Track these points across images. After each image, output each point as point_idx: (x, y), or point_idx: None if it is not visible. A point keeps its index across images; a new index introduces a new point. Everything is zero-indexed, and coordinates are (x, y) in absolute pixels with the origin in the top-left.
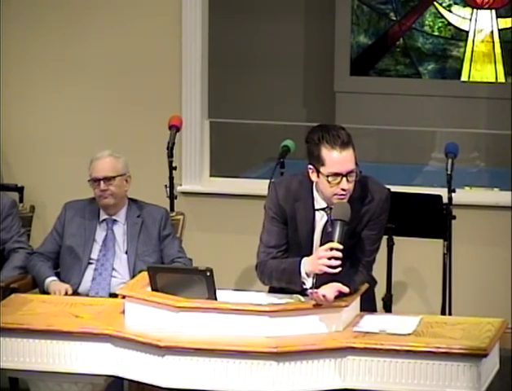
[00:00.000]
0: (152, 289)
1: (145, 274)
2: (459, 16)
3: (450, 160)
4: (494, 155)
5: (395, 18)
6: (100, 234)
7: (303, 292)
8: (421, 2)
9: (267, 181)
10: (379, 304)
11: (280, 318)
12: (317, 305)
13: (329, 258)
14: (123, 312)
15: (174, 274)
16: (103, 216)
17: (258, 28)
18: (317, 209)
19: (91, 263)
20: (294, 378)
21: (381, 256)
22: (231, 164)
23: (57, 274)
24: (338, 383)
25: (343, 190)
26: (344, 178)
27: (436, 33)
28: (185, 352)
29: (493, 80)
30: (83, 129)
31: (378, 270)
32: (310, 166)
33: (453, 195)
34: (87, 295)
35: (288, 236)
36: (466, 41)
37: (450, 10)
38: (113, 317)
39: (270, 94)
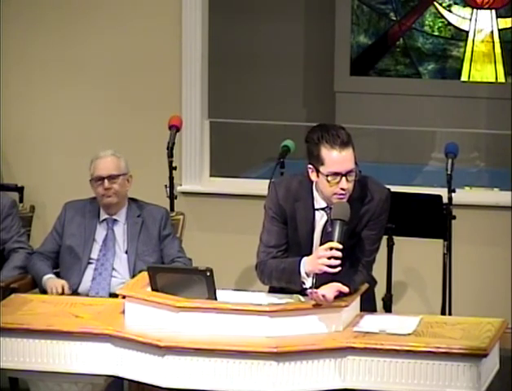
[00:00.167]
0: (152, 289)
1: (145, 274)
2: (459, 16)
3: (450, 160)
4: (494, 155)
5: (395, 18)
6: (100, 233)
7: (303, 292)
8: (421, 2)
9: (267, 181)
10: (379, 304)
11: (280, 318)
12: (317, 305)
13: (329, 258)
14: (123, 312)
15: (174, 274)
16: (103, 215)
17: (258, 28)
18: (317, 209)
19: (91, 263)
20: (294, 378)
21: (381, 256)
22: (231, 164)
23: (57, 274)
24: (338, 383)
25: (343, 189)
26: (343, 178)
27: (436, 33)
28: (185, 352)
29: (493, 80)
30: (83, 129)
31: (378, 270)
32: (309, 166)
33: (453, 195)
34: (87, 295)
35: (288, 236)
36: (466, 41)
37: (450, 11)
38: (113, 317)
39: (270, 94)
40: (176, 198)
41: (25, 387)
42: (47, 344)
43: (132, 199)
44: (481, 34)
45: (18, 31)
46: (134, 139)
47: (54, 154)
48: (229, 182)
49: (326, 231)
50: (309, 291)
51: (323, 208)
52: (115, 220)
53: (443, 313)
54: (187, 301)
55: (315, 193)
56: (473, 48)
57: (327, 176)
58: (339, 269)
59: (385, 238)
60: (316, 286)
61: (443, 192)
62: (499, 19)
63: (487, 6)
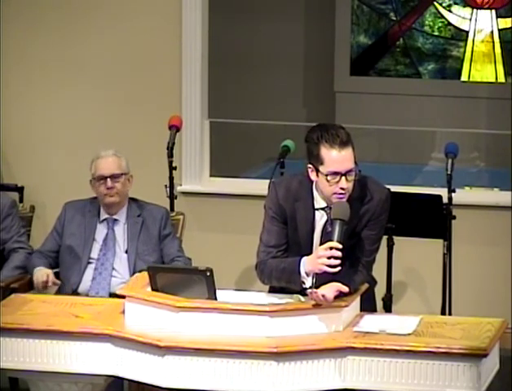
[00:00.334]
0: (152, 289)
1: (145, 274)
2: (459, 16)
3: (450, 160)
4: (494, 155)
5: (395, 18)
6: (101, 233)
7: (303, 292)
8: (421, 2)
9: (267, 181)
10: (379, 304)
11: (280, 318)
12: (317, 305)
13: (329, 257)
14: (123, 312)
15: (174, 274)
16: (103, 215)
17: (258, 28)
18: (317, 209)
19: (91, 263)
20: (294, 378)
21: (381, 256)
22: (231, 164)
23: (57, 274)
24: (338, 383)
25: (342, 189)
26: (343, 177)
27: (436, 33)
28: (185, 352)
29: (493, 80)
30: (83, 129)
31: (378, 270)
32: (309, 165)
33: (453, 195)
34: (87, 294)
35: (288, 236)
36: (466, 41)
37: (450, 10)
38: (113, 317)
39: (270, 94)
40: (176, 198)
41: (25, 387)
42: (47, 344)
43: (132, 199)
44: (481, 34)
45: (18, 31)
46: (134, 139)
47: (54, 154)
48: (229, 182)
49: (326, 231)
50: (309, 291)
51: (323, 208)
52: (115, 220)
53: (443, 313)
54: (187, 301)
55: (315, 193)
56: (473, 48)
57: (326, 175)
58: (339, 268)
59: (385, 238)
60: (316, 286)
61: (443, 192)
62: (499, 19)
63: (487, 6)
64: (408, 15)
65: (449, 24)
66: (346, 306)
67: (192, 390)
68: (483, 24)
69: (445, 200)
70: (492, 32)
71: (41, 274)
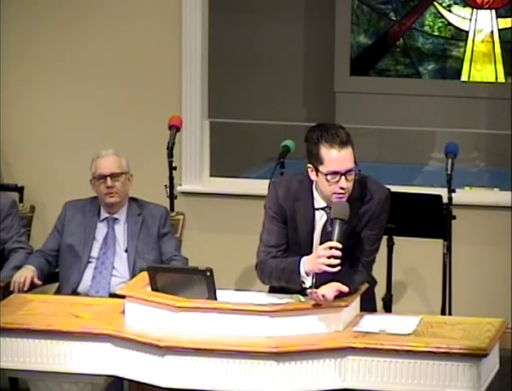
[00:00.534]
0: (152, 289)
1: (145, 274)
2: (459, 16)
3: (450, 160)
4: (494, 155)
5: (395, 18)
6: (101, 232)
7: (303, 292)
8: (421, 2)
9: (267, 181)
10: (379, 304)
11: (280, 318)
12: (317, 305)
13: (329, 257)
14: (123, 312)
15: (174, 274)
16: (103, 214)
17: (258, 28)
18: (317, 209)
19: (91, 262)
20: (294, 378)
21: (381, 256)
22: (231, 164)
23: (56, 274)
24: (338, 383)
25: (342, 188)
26: (343, 177)
27: (436, 33)
28: (185, 352)
29: (493, 80)
30: (83, 129)
31: (378, 270)
32: (309, 165)
33: (453, 195)
34: (87, 294)
35: (288, 236)
36: (466, 41)
37: (450, 10)
38: (113, 317)
39: (270, 94)
40: (176, 198)
41: (25, 387)
42: (47, 344)
43: (132, 199)
44: (481, 34)
45: (18, 31)
46: (134, 139)
47: (54, 154)
48: (229, 182)
49: (326, 231)
50: (309, 291)
51: (323, 208)
52: (115, 219)
53: (443, 313)
54: (187, 301)
55: (315, 193)
56: (473, 48)
57: (326, 175)
58: (339, 268)
59: (385, 238)
60: (316, 286)
61: (443, 192)
62: (499, 19)
63: (487, 6)
64: (408, 15)
65: (449, 24)
66: (346, 306)
67: (192, 390)
68: (483, 24)
69: (445, 200)
70: (492, 32)
71: (20, 274)
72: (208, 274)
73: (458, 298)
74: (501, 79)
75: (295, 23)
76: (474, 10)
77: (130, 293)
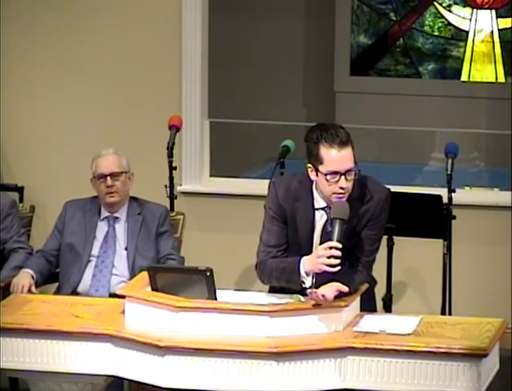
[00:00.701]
0: (152, 289)
1: (145, 274)
2: (459, 16)
3: (450, 160)
4: (494, 155)
5: (395, 18)
6: (101, 231)
7: (303, 292)
8: (421, 2)
9: (267, 181)
10: (379, 304)
11: (280, 318)
12: (317, 305)
13: (328, 257)
14: (123, 312)
15: (174, 274)
16: (104, 213)
17: (258, 28)
18: (317, 209)
19: (91, 260)
20: (294, 378)
21: (381, 256)
22: (231, 164)
23: (56, 274)
24: (338, 383)
25: (342, 188)
26: (342, 177)
27: (436, 33)
28: (185, 352)
29: (493, 80)
30: (83, 129)
31: (378, 270)
32: (309, 165)
33: (453, 195)
34: (87, 292)
35: (288, 236)
36: (466, 41)
37: (450, 10)
38: (113, 317)
39: (270, 94)
40: (176, 198)
41: (25, 387)
42: (47, 344)
43: (133, 198)
44: (481, 34)
45: (18, 31)
46: (134, 139)
47: (54, 154)
48: (229, 182)
49: (326, 231)
50: (309, 291)
51: (323, 208)
52: (116, 217)
53: (443, 313)
54: (187, 301)
55: (315, 193)
56: (473, 48)
57: (326, 175)
58: (339, 268)
59: (385, 238)
60: (316, 286)
61: (443, 192)
62: (499, 19)
63: (487, 6)
64: (408, 15)
65: (449, 24)
66: (346, 306)
67: (192, 390)
68: (483, 24)
69: (445, 200)
70: (492, 32)
71: (18, 281)
72: (208, 274)
73: (458, 298)
74: (501, 79)
75: (295, 23)
76: (474, 10)
77: (130, 293)
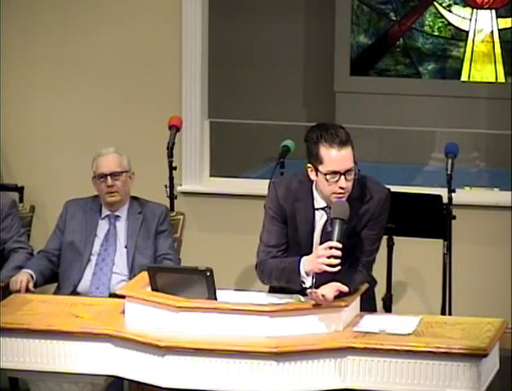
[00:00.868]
0: (152, 289)
1: (145, 274)
2: (459, 16)
3: (450, 160)
4: (494, 155)
5: (395, 18)
6: (102, 229)
7: (303, 292)
8: (421, 2)
9: (267, 181)
10: (379, 304)
11: (280, 318)
12: (317, 305)
13: (328, 257)
14: (123, 312)
15: (174, 274)
16: (105, 212)
17: (258, 28)
18: (317, 209)
19: (92, 259)
20: (294, 378)
21: (381, 256)
22: (231, 164)
23: (56, 275)
24: (338, 383)
25: (342, 188)
26: (342, 176)
27: (436, 33)
28: (185, 352)
29: (493, 80)
30: (83, 128)
31: (378, 270)
32: (309, 165)
33: (453, 195)
34: (88, 290)
35: (288, 236)
36: (466, 41)
37: (450, 11)
38: (113, 317)
39: (270, 94)
40: (176, 198)
41: (25, 387)
42: (47, 344)
43: (133, 198)
44: (481, 34)
45: (18, 31)
46: (134, 139)
47: (54, 154)
48: (229, 182)
49: (326, 231)
50: (309, 291)
51: (323, 208)
52: (117, 216)
53: (443, 313)
54: (187, 301)
55: (315, 193)
56: (473, 48)
57: (326, 175)
58: (339, 268)
59: (385, 238)
60: (316, 286)
61: (443, 192)
62: (499, 19)
63: (487, 6)
64: (408, 15)
65: (449, 24)
66: (346, 306)
67: (192, 390)
68: (483, 24)
69: (445, 200)
70: (492, 32)
71: (16, 279)
72: (208, 274)
73: (458, 298)
74: (501, 79)
75: (295, 23)
76: (474, 10)
77: (130, 293)
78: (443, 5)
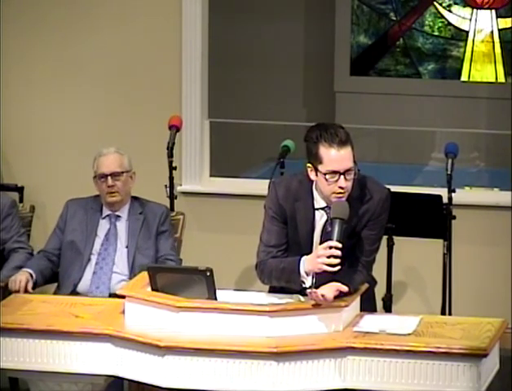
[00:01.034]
0: (152, 289)
1: (145, 274)
2: (459, 16)
3: (450, 160)
4: (494, 155)
5: (395, 18)
6: (103, 229)
7: (303, 292)
8: (421, 2)
9: (267, 181)
10: (379, 304)
11: (280, 318)
12: (317, 305)
13: (328, 257)
14: (123, 312)
15: (174, 274)
16: (106, 211)
17: (258, 28)
18: (317, 209)
19: (92, 258)
20: (294, 378)
21: (381, 256)
22: (231, 164)
23: (56, 274)
24: (338, 383)
25: (341, 188)
26: (342, 176)
27: (436, 33)
28: (185, 352)
29: (493, 80)
30: (83, 129)
31: (378, 270)
32: (308, 165)
33: (453, 195)
34: (88, 289)
35: (288, 236)
36: (466, 41)
37: (450, 11)
38: (113, 317)
39: (270, 94)
40: (176, 198)
41: (25, 387)
42: (47, 344)
43: (134, 198)
44: (481, 34)
45: (18, 31)
46: (134, 139)
47: (54, 154)
48: (229, 182)
49: (326, 231)
50: (308, 291)
51: (323, 208)
52: (118, 216)
53: (443, 313)
54: (187, 301)
55: (315, 193)
56: (473, 48)
57: (325, 174)
58: (338, 268)
59: (385, 238)
60: (316, 286)
61: (443, 192)
62: (499, 19)
63: (487, 6)
64: (408, 15)
65: (449, 24)
66: (346, 306)
67: (192, 390)
68: (483, 24)
69: (445, 200)
70: (492, 32)
71: (15, 279)
72: (208, 274)
73: (458, 298)
74: (501, 79)
75: (295, 23)
76: (474, 10)
77: (130, 293)
78: (443, 5)
